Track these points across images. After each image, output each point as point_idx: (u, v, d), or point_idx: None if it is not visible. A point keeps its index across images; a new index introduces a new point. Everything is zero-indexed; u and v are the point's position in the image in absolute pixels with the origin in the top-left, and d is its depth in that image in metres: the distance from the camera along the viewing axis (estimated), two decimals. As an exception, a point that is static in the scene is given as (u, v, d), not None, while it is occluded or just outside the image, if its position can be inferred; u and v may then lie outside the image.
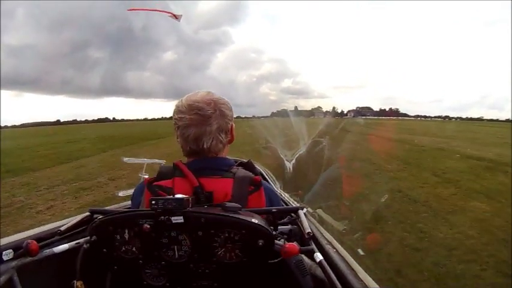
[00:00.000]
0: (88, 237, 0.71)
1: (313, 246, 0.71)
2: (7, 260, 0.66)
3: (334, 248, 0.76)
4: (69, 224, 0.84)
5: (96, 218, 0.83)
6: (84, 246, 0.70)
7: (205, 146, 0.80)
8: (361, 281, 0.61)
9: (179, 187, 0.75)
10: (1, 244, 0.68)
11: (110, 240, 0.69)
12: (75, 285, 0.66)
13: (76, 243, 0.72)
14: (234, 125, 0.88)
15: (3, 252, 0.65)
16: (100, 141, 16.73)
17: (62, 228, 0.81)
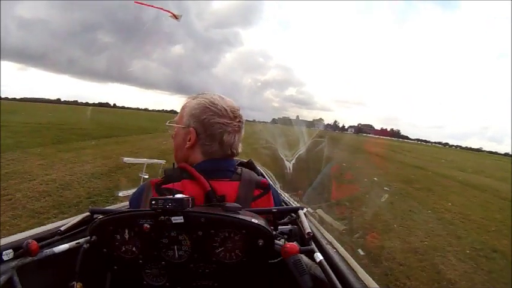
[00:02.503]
0: (88, 237, 0.71)
1: (314, 246, 0.70)
2: (7, 260, 0.65)
3: (334, 248, 0.76)
4: (70, 224, 0.84)
5: (96, 218, 0.83)
6: (84, 246, 0.70)
7: (237, 151, 0.85)
8: (361, 281, 0.61)
9: (189, 190, 0.75)
10: (1, 244, 0.68)
11: (110, 240, 0.69)
12: (74, 287, 0.66)
13: (76, 243, 0.72)
14: None
15: (3, 252, 0.65)
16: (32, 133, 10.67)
17: (62, 228, 0.81)
